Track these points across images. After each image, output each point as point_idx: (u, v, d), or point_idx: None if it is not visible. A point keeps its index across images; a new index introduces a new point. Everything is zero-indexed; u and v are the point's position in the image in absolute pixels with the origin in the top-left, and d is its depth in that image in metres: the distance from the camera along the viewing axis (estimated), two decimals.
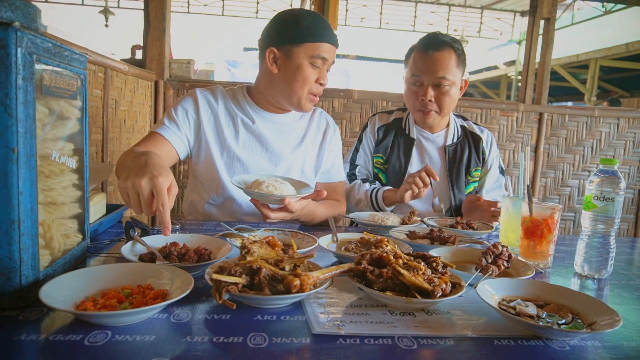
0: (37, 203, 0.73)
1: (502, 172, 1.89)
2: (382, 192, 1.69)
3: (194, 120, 1.52)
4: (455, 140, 1.83)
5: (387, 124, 1.87)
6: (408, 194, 1.56)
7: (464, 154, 1.81)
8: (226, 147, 1.53)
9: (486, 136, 1.86)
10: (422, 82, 1.68)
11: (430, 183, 1.56)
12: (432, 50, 1.64)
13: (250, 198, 1.30)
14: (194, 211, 1.63)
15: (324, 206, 1.53)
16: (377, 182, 1.82)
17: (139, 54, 2.88)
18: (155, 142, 1.43)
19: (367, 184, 1.77)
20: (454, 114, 1.90)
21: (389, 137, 1.84)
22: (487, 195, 1.81)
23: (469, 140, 1.84)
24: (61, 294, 0.70)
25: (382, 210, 1.68)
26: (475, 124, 1.90)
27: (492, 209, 1.55)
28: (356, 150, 1.90)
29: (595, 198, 1.08)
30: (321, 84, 1.50)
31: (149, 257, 0.94)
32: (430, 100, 1.67)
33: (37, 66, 0.72)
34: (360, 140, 1.90)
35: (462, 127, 1.87)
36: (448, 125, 1.84)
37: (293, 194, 1.27)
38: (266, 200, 1.26)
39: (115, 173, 1.35)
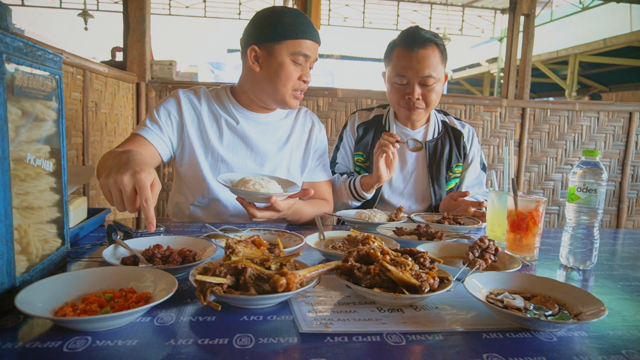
0: (11, 207, 0.71)
1: (483, 168, 1.87)
2: (359, 178, 1.68)
3: (176, 122, 1.50)
4: (435, 135, 1.81)
5: (366, 121, 1.85)
6: (382, 163, 1.56)
7: (445, 150, 1.79)
8: (210, 148, 1.51)
9: (467, 131, 1.85)
10: (408, 81, 1.64)
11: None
12: (417, 48, 1.60)
13: (236, 197, 1.28)
14: (179, 213, 1.61)
15: (311, 205, 1.52)
16: (354, 174, 1.81)
17: (119, 56, 2.84)
18: (137, 144, 1.40)
19: (345, 176, 1.76)
20: (435, 110, 1.88)
21: (368, 134, 1.82)
22: (466, 190, 1.80)
23: (450, 136, 1.82)
24: (39, 300, 0.68)
25: (363, 199, 1.68)
26: (456, 118, 1.89)
27: (472, 209, 1.54)
28: (337, 148, 1.88)
29: (579, 190, 1.09)
30: (304, 81, 1.48)
31: (131, 261, 0.92)
32: (417, 99, 1.65)
33: (8, 66, 0.70)
34: (340, 139, 1.89)
35: (443, 122, 1.85)
36: (428, 120, 1.82)
37: (280, 193, 1.25)
38: (252, 199, 1.24)
39: (97, 174, 1.33)
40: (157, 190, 0.92)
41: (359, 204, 1.73)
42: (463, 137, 1.83)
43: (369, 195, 1.68)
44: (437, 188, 1.77)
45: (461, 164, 1.83)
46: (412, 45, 1.61)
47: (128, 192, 0.88)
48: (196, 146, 1.50)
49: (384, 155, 1.55)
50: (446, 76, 1.73)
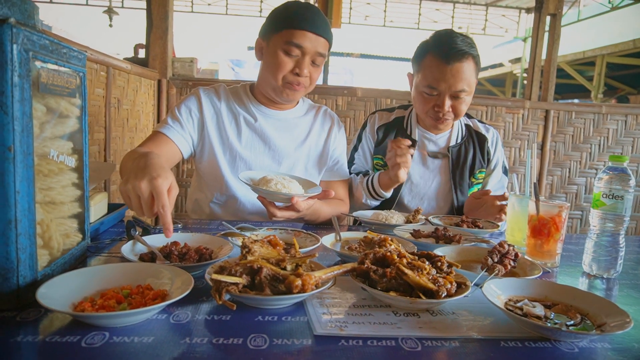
0: (35, 202, 0.72)
1: (505, 171, 1.82)
2: (377, 176, 1.62)
3: (197, 119, 1.51)
4: (459, 140, 1.75)
5: (387, 123, 1.80)
6: (402, 172, 1.50)
7: (468, 156, 1.74)
8: (229, 145, 1.52)
9: (492, 135, 1.80)
10: (439, 93, 1.57)
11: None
12: (453, 61, 1.50)
13: (257, 196, 1.27)
14: (198, 210, 1.62)
15: (328, 205, 1.52)
16: (370, 172, 1.76)
17: (141, 53, 2.88)
18: (158, 142, 1.43)
19: (361, 175, 1.72)
20: None
21: (389, 137, 1.76)
22: (487, 189, 1.75)
23: (474, 141, 1.76)
24: (59, 294, 0.69)
25: (381, 197, 1.63)
26: (480, 122, 1.83)
27: (499, 203, 1.49)
28: (355, 149, 1.83)
29: (604, 196, 1.06)
30: (297, 74, 1.44)
31: (149, 257, 0.93)
32: (448, 111, 1.59)
33: (34, 63, 0.71)
34: (359, 140, 1.83)
35: (467, 125, 1.80)
36: (452, 125, 1.76)
37: (301, 193, 1.25)
38: (274, 198, 1.24)
39: (120, 174, 1.35)
40: (174, 195, 0.93)
41: (377, 203, 1.69)
42: (487, 141, 1.77)
43: (387, 194, 1.63)
44: (459, 195, 1.72)
45: (484, 170, 1.78)
46: (447, 58, 1.51)
47: (145, 197, 0.90)
48: (215, 144, 1.51)
49: (403, 167, 1.49)
50: (476, 82, 1.67)
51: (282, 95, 1.49)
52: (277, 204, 1.27)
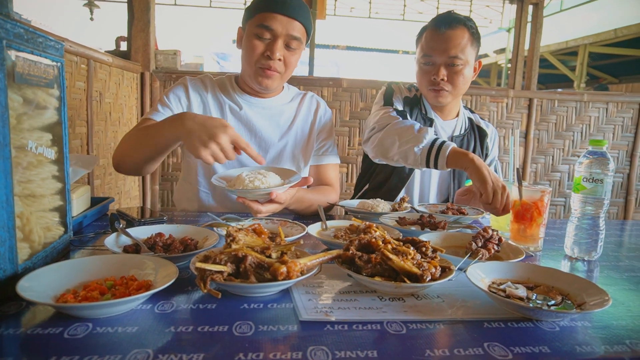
0: (13, 194, 0.71)
1: (495, 169, 1.86)
2: (453, 144, 1.38)
3: (186, 106, 1.51)
4: (462, 131, 1.78)
5: (409, 97, 1.75)
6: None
7: (470, 147, 1.76)
8: None
9: (491, 132, 1.84)
10: (434, 62, 1.60)
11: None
12: (445, 28, 1.57)
13: (236, 198, 1.23)
14: (187, 200, 1.60)
15: (315, 192, 1.51)
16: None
17: (123, 46, 2.83)
18: None
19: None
20: (463, 105, 1.84)
21: (414, 113, 1.71)
22: None
23: (475, 134, 1.79)
24: (40, 287, 0.68)
25: (434, 165, 1.39)
26: (481, 118, 1.87)
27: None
28: (379, 107, 1.68)
29: (585, 180, 1.07)
30: (269, 57, 1.42)
31: (133, 249, 0.92)
32: (442, 80, 1.60)
33: (8, 53, 0.70)
34: (387, 102, 1.69)
35: (470, 119, 1.83)
36: (457, 115, 1.78)
37: (280, 184, 1.23)
38: (254, 196, 1.21)
39: (118, 154, 1.36)
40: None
41: (420, 168, 1.47)
42: (487, 137, 1.81)
43: (442, 168, 1.38)
44: (457, 184, 1.75)
45: None
46: (440, 26, 1.58)
47: (228, 148, 1.10)
48: None
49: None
50: (479, 63, 1.68)
51: (257, 81, 1.48)
52: (260, 199, 1.26)
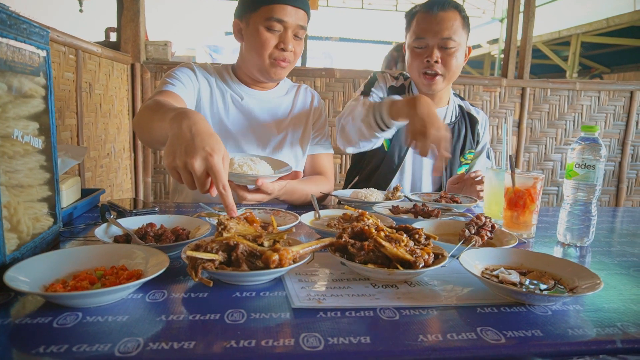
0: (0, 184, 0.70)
1: (488, 157, 1.86)
2: (389, 100, 1.35)
3: (196, 86, 1.48)
4: (453, 119, 1.77)
5: (395, 86, 1.75)
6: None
7: (461, 134, 1.76)
8: (219, 121, 1.51)
9: (482, 118, 1.84)
10: (428, 44, 1.59)
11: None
12: (438, 10, 1.56)
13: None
14: (186, 191, 1.58)
15: (307, 182, 1.50)
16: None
17: (113, 37, 2.78)
18: (169, 97, 1.31)
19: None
20: (453, 92, 1.84)
21: None
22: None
23: (466, 121, 1.79)
24: (28, 277, 0.67)
25: (385, 127, 1.36)
26: (472, 105, 1.86)
27: (477, 179, 1.52)
28: (355, 100, 1.63)
29: (577, 166, 1.07)
30: (283, 49, 1.43)
31: (124, 239, 0.91)
32: (436, 62, 1.58)
33: None
34: (366, 92, 1.69)
35: (460, 106, 1.82)
36: (448, 103, 1.78)
37: (269, 174, 1.21)
38: (240, 181, 1.18)
39: (137, 128, 1.20)
40: (227, 165, 0.87)
41: (377, 137, 1.45)
42: (478, 124, 1.81)
43: (393, 125, 1.36)
44: (448, 172, 1.75)
45: (473, 151, 1.81)
46: (432, 8, 1.57)
47: (200, 176, 0.83)
48: (207, 116, 1.49)
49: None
50: (469, 49, 1.68)
51: (270, 74, 1.47)
52: (249, 187, 1.22)
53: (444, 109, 1.76)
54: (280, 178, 1.23)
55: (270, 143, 1.56)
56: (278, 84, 1.64)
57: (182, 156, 0.82)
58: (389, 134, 1.43)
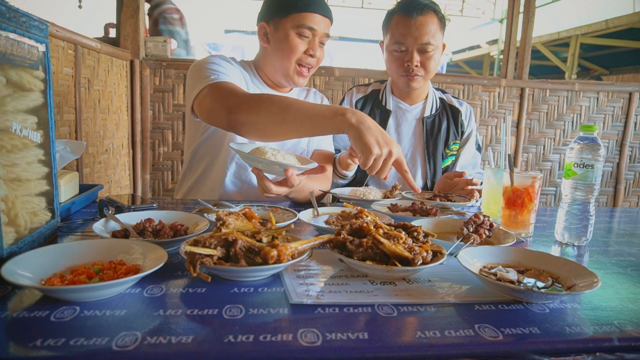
0: None
1: (478, 148, 1.86)
2: (339, 155, 1.62)
3: (239, 78, 1.47)
4: (433, 112, 1.80)
5: (365, 95, 1.83)
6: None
7: (442, 126, 1.78)
8: None
9: (465, 109, 1.84)
10: (407, 48, 1.63)
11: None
12: (416, 15, 1.59)
13: (251, 168, 1.18)
14: (209, 191, 1.56)
15: (314, 181, 1.51)
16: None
17: (112, 33, 2.77)
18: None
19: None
20: (434, 87, 1.87)
21: (365, 109, 1.79)
22: (460, 170, 1.77)
23: (448, 113, 1.81)
24: (26, 271, 0.67)
25: (344, 177, 1.64)
26: (454, 97, 1.88)
27: (470, 187, 1.51)
28: None
29: (575, 165, 1.08)
30: (311, 55, 1.48)
31: (122, 234, 0.91)
32: (416, 66, 1.63)
33: None
34: None
35: (441, 99, 1.84)
36: (426, 97, 1.81)
37: (299, 166, 1.16)
38: (271, 168, 1.14)
39: (242, 118, 1.19)
40: None
41: (344, 182, 1.70)
42: (461, 114, 1.82)
43: (349, 173, 1.63)
44: (432, 165, 1.75)
45: (458, 142, 1.82)
46: (410, 12, 1.60)
47: (391, 162, 1.07)
48: None
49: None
50: (444, 45, 1.71)
51: (293, 80, 1.51)
52: (270, 177, 1.20)
53: (421, 103, 1.80)
54: (307, 171, 1.22)
55: (285, 145, 1.59)
56: (292, 88, 1.67)
57: (385, 146, 1.05)
58: (351, 175, 1.65)
